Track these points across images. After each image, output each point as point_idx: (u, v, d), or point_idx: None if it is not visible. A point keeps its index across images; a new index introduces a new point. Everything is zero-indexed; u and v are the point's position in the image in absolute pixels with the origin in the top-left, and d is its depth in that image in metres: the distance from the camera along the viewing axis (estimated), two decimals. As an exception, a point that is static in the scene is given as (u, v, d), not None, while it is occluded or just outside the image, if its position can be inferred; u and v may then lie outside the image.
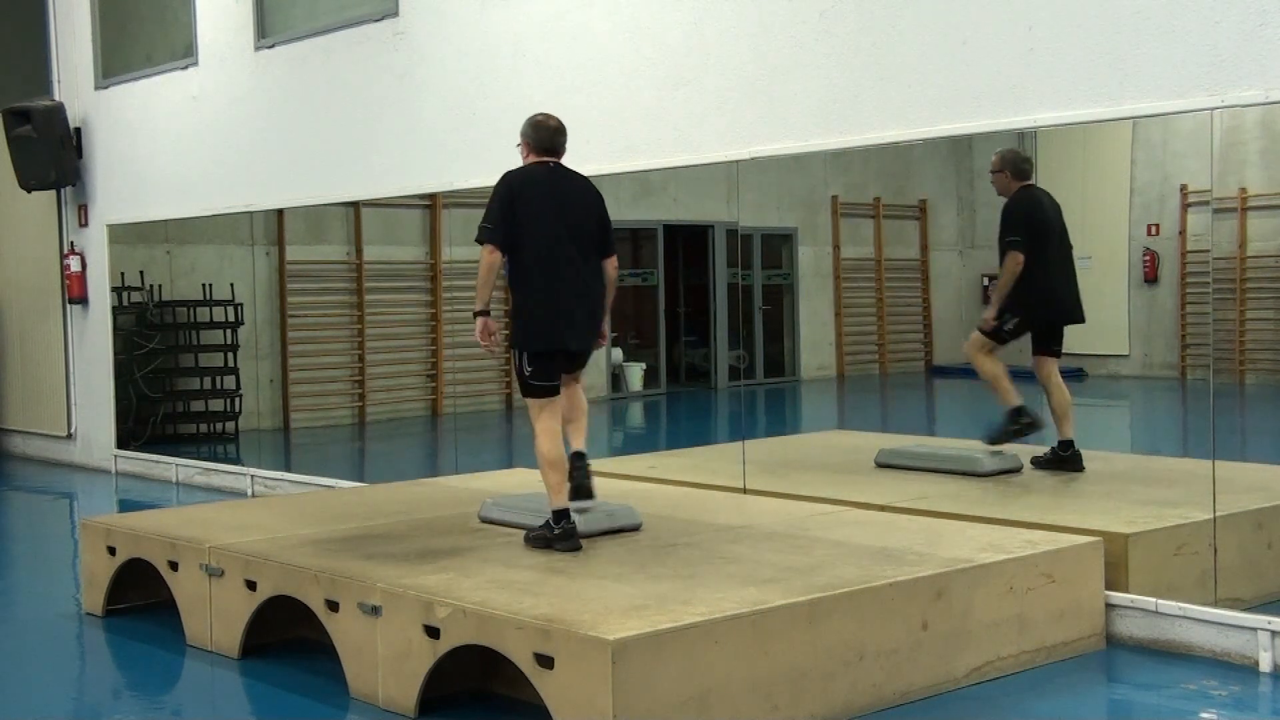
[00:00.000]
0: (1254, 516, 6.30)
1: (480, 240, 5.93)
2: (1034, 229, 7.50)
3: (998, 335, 7.53)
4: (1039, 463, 7.46)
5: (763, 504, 6.89)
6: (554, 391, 6.00)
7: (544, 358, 5.94)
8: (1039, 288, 7.48)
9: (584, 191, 6.17)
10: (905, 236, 12.59)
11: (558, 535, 5.79)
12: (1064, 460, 7.39)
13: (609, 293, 6.24)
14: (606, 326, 6.34)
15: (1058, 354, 7.54)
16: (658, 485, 7.58)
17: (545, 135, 6.13)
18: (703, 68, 7.41)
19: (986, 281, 7.98)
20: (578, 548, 5.76)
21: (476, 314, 5.94)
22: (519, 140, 6.18)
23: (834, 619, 4.86)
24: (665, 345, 14.62)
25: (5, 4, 12.89)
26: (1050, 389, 7.46)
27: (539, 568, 5.47)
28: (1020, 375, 7.60)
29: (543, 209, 5.98)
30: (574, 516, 5.86)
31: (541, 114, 6.24)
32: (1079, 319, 7.68)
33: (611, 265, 6.21)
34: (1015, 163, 7.49)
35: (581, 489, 6.16)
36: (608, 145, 7.86)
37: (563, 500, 5.85)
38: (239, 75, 10.46)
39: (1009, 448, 7.56)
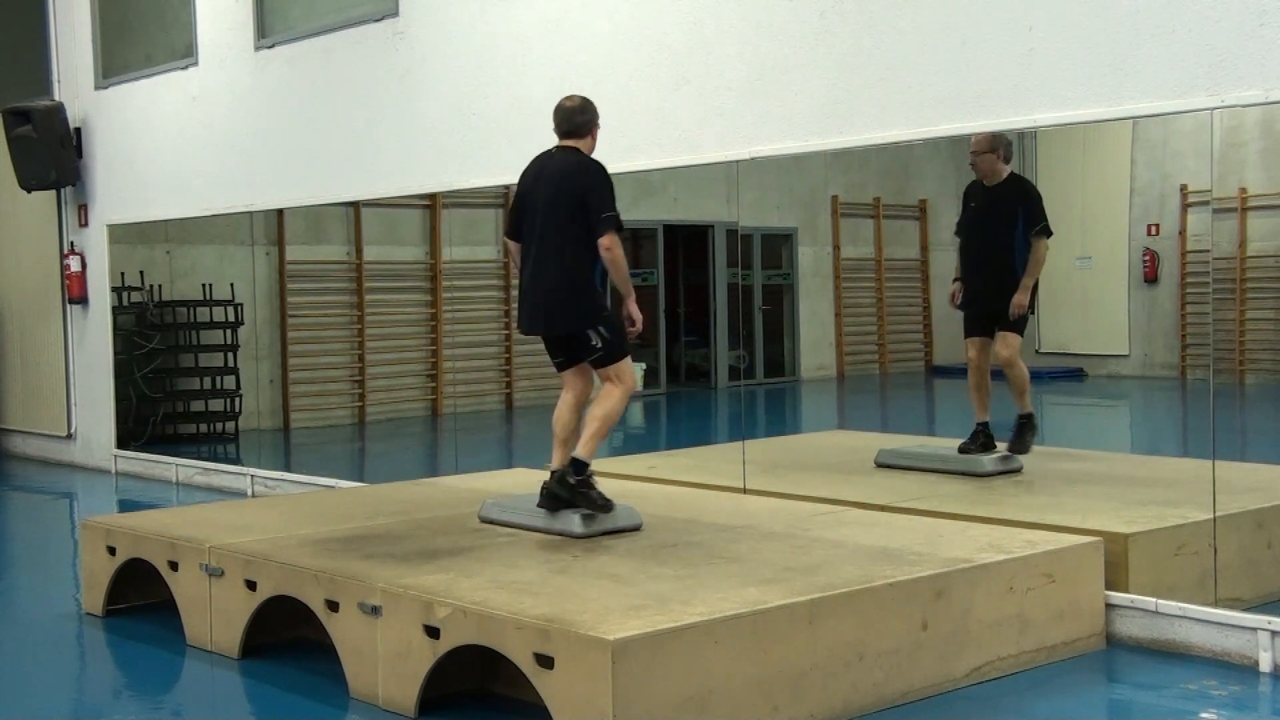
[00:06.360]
0: (1254, 516, 6.30)
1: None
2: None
3: (1023, 332, 7.37)
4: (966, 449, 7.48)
5: (763, 504, 6.88)
6: (559, 367, 6.29)
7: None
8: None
9: (560, 173, 6.13)
10: (905, 236, 12.59)
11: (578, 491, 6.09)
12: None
13: (614, 272, 6.00)
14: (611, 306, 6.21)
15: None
16: (658, 485, 7.57)
17: (554, 120, 6.33)
18: (703, 68, 7.41)
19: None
20: (603, 505, 6.07)
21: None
22: None
23: (834, 619, 4.86)
24: (665, 345, 14.61)
25: (5, 4, 12.89)
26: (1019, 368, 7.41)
27: (539, 568, 5.47)
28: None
29: (526, 195, 6.24)
30: (596, 483, 6.09)
31: (565, 96, 6.43)
32: None
33: (602, 246, 5.96)
34: (1007, 145, 7.23)
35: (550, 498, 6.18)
36: (608, 145, 7.81)
37: (560, 460, 6.14)
38: (239, 75, 10.46)
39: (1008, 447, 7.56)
